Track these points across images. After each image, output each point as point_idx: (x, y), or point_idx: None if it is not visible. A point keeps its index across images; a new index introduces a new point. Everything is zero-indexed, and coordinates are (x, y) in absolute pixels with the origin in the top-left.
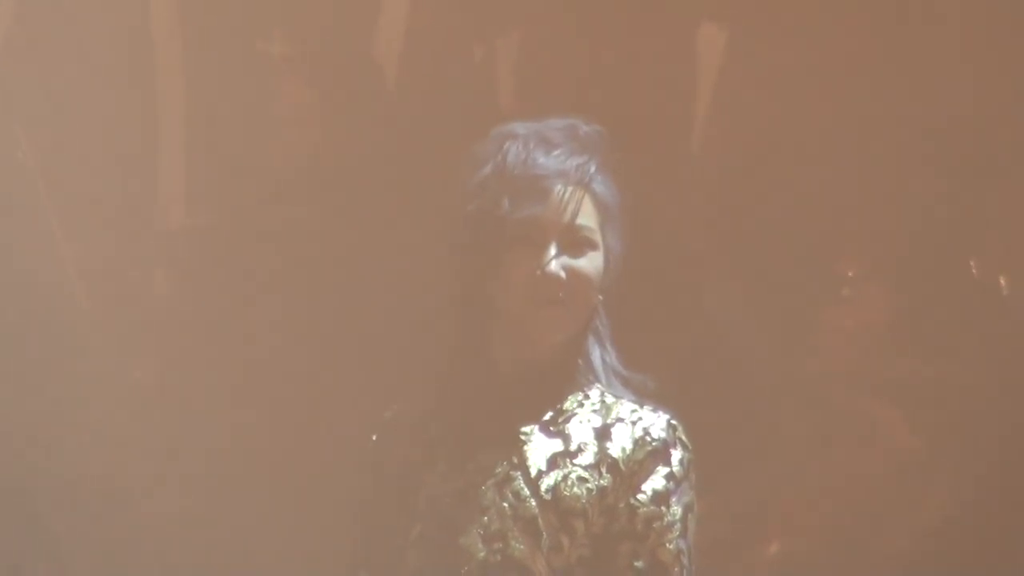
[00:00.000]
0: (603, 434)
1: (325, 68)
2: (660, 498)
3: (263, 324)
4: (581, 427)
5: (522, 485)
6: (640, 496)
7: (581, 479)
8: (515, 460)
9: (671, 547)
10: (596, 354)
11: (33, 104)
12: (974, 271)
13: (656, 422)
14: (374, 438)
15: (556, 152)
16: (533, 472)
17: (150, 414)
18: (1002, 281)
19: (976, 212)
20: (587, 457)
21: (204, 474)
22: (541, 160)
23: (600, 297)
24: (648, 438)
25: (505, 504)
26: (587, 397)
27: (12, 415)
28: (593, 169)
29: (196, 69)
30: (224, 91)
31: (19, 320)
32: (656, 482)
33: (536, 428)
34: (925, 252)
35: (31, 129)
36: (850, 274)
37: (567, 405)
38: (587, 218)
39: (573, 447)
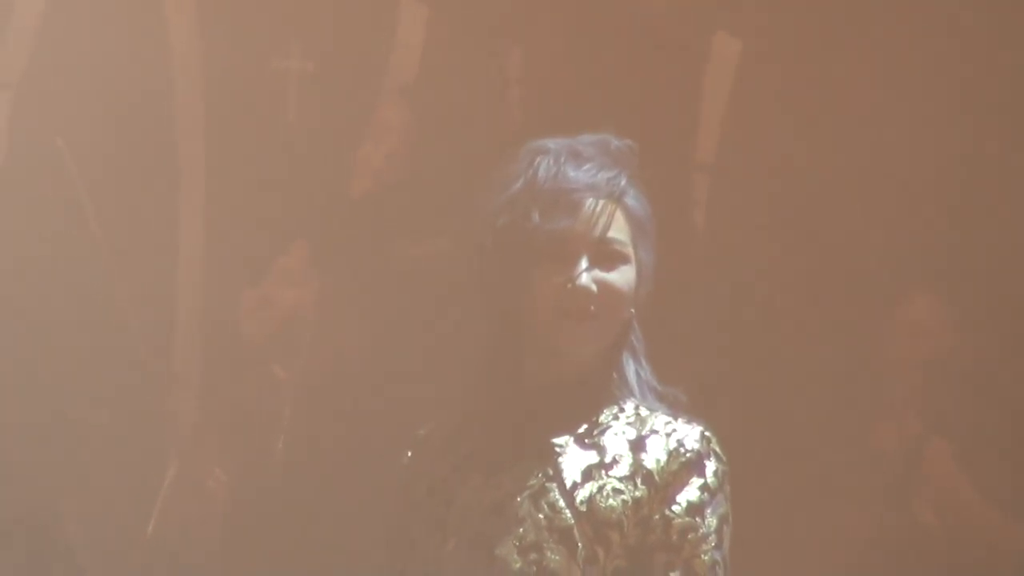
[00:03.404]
0: (638, 446)
1: (342, 85)
2: (694, 509)
3: (292, 347)
4: (616, 439)
5: (557, 496)
6: (675, 507)
7: (616, 491)
8: (550, 472)
9: (706, 558)
10: (631, 368)
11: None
12: None
13: (690, 434)
14: (408, 455)
15: (587, 166)
16: (568, 484)
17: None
18: None
19: None
20: (622, 469)
21: (236, 494)
22: (571, 174)
23: (633, 311)
24: (682, 449)
25: (540, 515)
26: (622, 410)
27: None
28: (624, 183)
29: (214, 87)
30: (241, 107)
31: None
32: (690, 493)
33: (570, 440)
34: (987, 276)
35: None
36: (901, 293)
37: (602, 418)
38: (618, 231)
39: (608, 459)
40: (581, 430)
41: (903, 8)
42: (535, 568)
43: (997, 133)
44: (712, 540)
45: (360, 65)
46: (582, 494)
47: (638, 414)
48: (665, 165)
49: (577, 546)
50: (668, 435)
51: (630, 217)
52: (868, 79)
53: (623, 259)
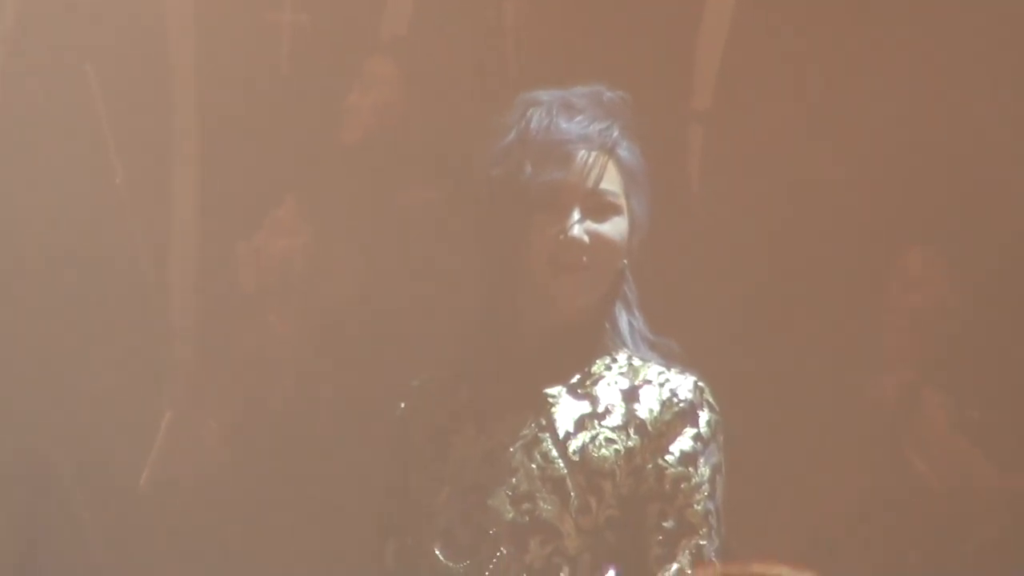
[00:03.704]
0: (630, 396)
1: (335, 38)
2: (687, 459)
3: (287, 297)
4: (608, 389)
5: (550, 446)
6: (668, 457)
7: (609, 440)
8: (543, 422)
9: (699, 507)
10: (623, 318)
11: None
12: None
13: (683, 384)
14: (402, 406)
15: (579, 118)
16: (561, 434)
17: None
18: None
19: None
20: (615, 419)
21: (231, 444)
22: (563, 125)
23: (625, 262)
24: (675, 399)
25: (533, 465)
26: (614, 360)
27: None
28: (616, 134)
29: (208, 40)
30: (234, 60)
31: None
32: (683, 443)
33: (563, 390)
34: (982, 226)
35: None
36: (893, 245)
37: (594, 368)
38: (611, 183)
39: (600, 409)
40: (574, 380)
41: None
42: (528, 518)
43: (994, 85)
44: (705, 490)
45: (353, 17)
46: (575, 444)
47: (631, 364)
48: (659, 116)
49: (570, 496)
50: (661, 385)
51: (622, 168)
52: (866, 27)
53: (615, 210)
